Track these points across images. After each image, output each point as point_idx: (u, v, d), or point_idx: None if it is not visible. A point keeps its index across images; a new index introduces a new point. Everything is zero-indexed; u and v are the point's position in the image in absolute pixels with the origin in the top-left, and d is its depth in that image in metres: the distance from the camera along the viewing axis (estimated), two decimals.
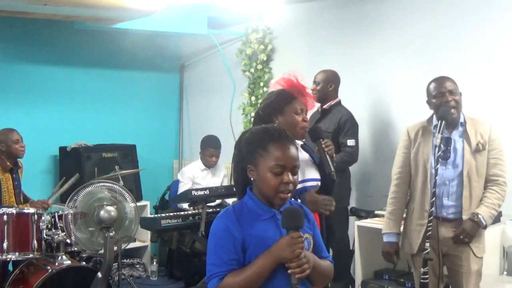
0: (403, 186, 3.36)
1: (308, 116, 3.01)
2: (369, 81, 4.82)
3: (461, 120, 3.23)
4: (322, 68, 4.65)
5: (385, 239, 3.37)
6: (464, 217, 3.15)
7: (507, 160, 3.24)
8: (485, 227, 3.17)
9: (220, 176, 5.61)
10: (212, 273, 1.94)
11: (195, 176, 5.50)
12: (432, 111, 3.30)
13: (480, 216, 3.11)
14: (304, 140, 2.96)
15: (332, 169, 2.85)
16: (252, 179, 2.02)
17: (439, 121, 3.11)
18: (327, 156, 2.87)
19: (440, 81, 3.24)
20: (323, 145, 2.90)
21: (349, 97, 4.76)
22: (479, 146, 3.16)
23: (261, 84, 5.64)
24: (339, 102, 4.57)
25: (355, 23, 4.93)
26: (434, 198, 3.03)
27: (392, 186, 3.41)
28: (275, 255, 1.90)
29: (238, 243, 1.93)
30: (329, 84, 4.52)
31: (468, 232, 3.12)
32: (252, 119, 5.53)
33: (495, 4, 4.08)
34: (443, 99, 3.17)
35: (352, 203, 4.74)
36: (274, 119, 2.85)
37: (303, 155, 2.89)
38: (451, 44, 4.28)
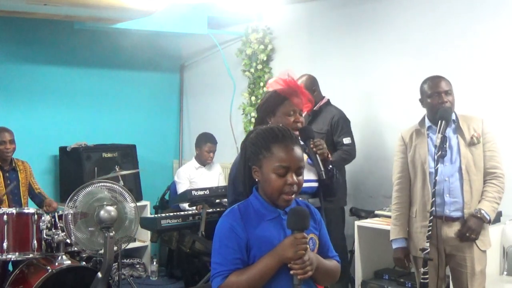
0: (405, 191, 3.36)
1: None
2: (370, 80, 4.82)
3: (453, 117, 3.24)
4: (322, 68, 4.64)
5: (394, 245, 3.36)
6: (466, 211, 3.15)
7: (501, 152, 3.25)
8: (489, 222, 3.17)
9: (216, 173, 5.61)
10: (216, 272, 1.93)
11: (191, 175, 5.50)
12: (423, 114, 3.32)
13: (483, 211, 3.12)
14: None
15: (322, 169, 2.82)
16: (257, 179, 2.02)
17: (439, 121, 3.10)
18: (317, 156, 2.86)
19: (436, 81, 3.25)
20: (312, 145, 2.88)
21: (348, 96, 4.76)
22: (474, 140, 3.18)
23: (261, 84, 5.63)
24: (328, 102, 4.55)
25: (355, 23, 4.93)
26: (434, 198, 3.03)
27: (394, 192, 3.40)
28: (279, 255, 1.90)
29: (242, 242, 1.93)
30: (311, 90, 4.47)
31: (474, 228, 3.12)
32: (252, 119, 5.55)
33: (491, 2, 4.09)
34: (439, 100, 3.18)
35: (352, 203, 4.74)
36: (267, 120, 2.84)
37: None
38: (451, 43, 4.28)
